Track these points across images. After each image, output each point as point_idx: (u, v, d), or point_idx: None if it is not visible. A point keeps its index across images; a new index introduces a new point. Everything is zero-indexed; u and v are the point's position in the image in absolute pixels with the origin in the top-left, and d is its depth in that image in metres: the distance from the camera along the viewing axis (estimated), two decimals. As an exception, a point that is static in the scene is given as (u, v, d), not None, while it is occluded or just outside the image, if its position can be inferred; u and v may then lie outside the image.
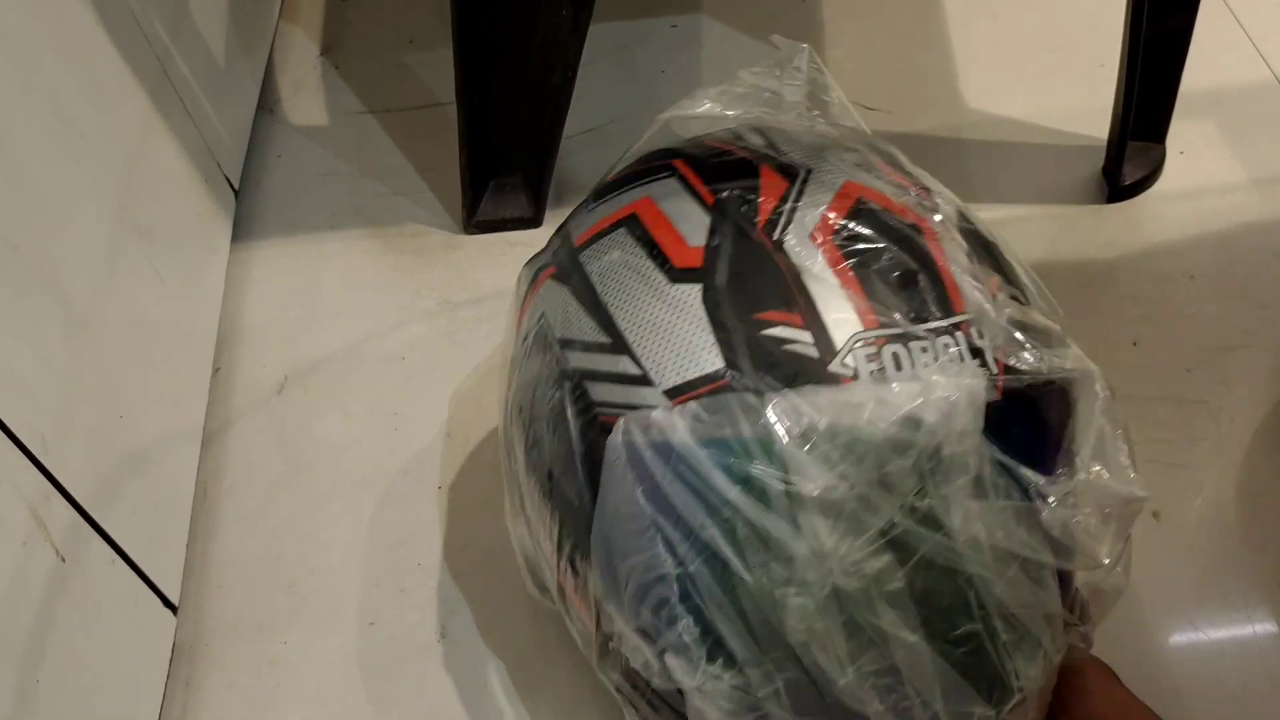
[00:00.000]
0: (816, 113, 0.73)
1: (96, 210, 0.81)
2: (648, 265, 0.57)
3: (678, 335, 0.54)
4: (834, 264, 0.54)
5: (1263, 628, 0.75)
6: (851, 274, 0.54)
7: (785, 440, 0.51)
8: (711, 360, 0.53)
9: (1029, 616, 0.55)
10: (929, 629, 0.53)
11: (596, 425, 0.56)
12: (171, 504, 0.85)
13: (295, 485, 0.89)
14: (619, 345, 0.56)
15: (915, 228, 0.57)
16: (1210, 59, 1.06)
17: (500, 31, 0.92)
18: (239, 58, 1.12)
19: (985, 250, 0.61)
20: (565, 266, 0.62)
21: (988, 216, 0.98)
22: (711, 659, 0.54)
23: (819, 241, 0.55)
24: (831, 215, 0.57)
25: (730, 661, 0.54)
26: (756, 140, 0.63)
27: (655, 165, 0.63)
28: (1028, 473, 0.53)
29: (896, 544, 0.51)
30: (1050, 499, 0.54)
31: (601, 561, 0.57)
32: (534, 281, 0.66)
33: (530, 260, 0.70)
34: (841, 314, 0.53)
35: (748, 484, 0.51)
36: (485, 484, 0.87)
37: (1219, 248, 0.94)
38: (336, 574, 0.84)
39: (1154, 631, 0.75)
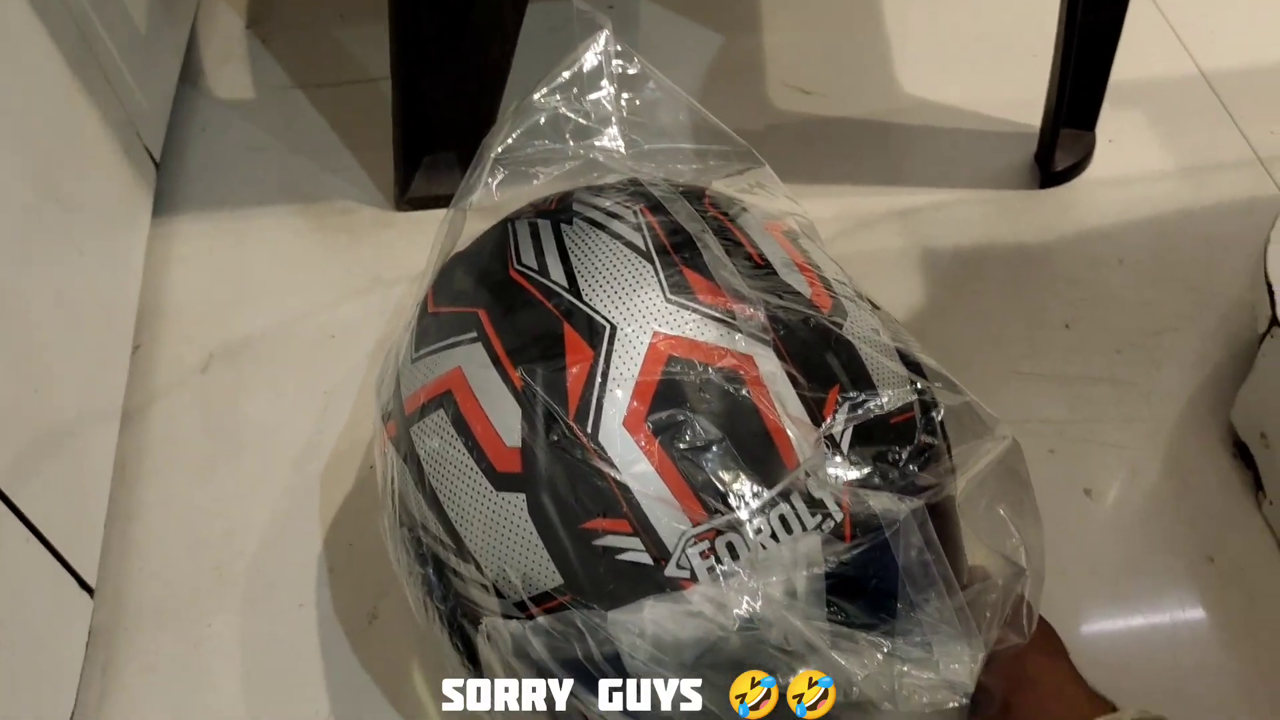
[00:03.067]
0: (636, 139, 0.70)
1: (13, 178, 0.77)
2: (470, 465, 0.55)
3: (514, 548, 0.53)
4: (651, 457, 0.52)
5: (1190, 601, 0.76)
6: (671, 465, 0.52)
7: (633, 659, 0.51)
8: (550, 577, 0.52)
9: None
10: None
11: (464, 612, 0.57)
12: (89, 483, 0.81)
13: (222, 466, 0.86)
14: (463, 552, 0.55)
15: (733, 377, 0.54)
16: (1138, 52, 1.08)
17: (439, 7, 0.90)
18: (162, 27, 1.08)
19: (822, 348, 0.57)
20: (402, 435, 0.60)
21: (923, 201, 1.01)
22: None
23: (633, 432, 0.52)
24: (640, 398, 0.53)
25: None
26: (558, 274, 0.58)
27: (464, 316, 0.60)
28: (865, 638, 0.52)
29: None
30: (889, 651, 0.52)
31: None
32: (384, 424, 0.64)
33: (380, 374, 0.68)
34: (667, 514, 0.51)
35: (610, 699, 0.52)
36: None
37: (1149, 233, 0.96)
38: (265, 556, 0.81)
39: (1083, 605, 0.76)
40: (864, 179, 1.02)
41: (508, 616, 0.53)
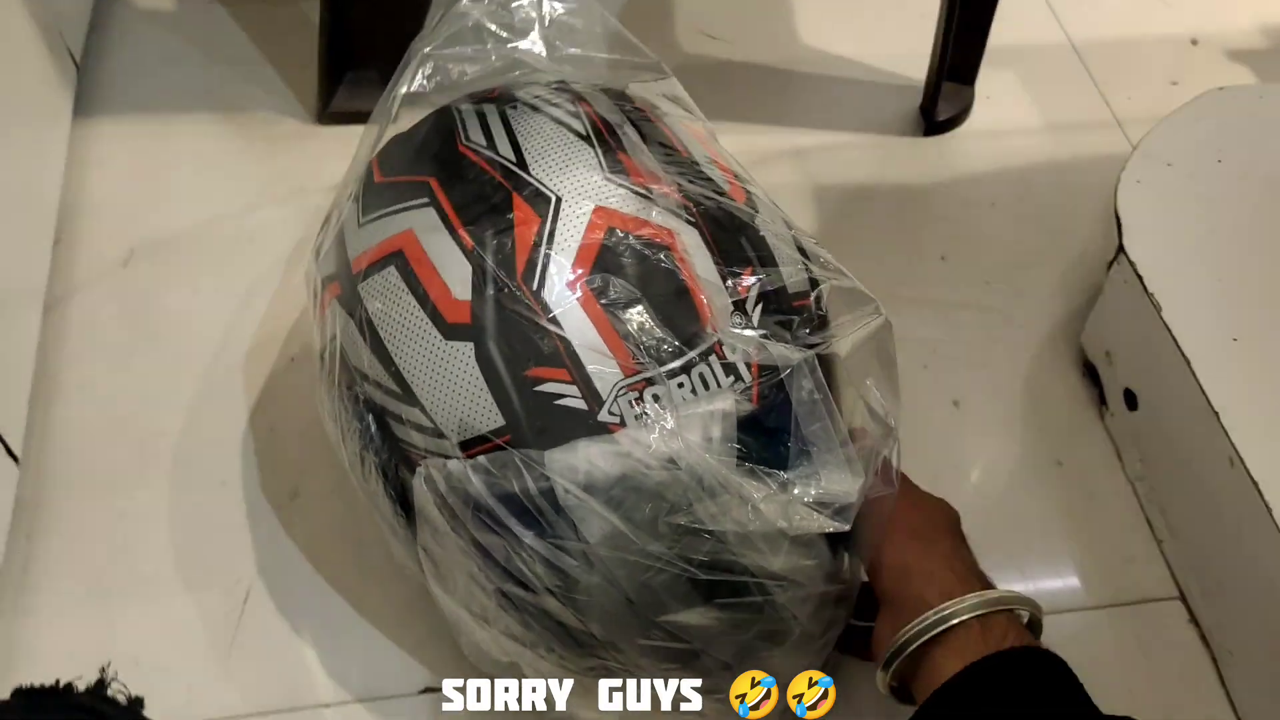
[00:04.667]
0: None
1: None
2: (420, 318, 0.60)
3: (459, 392, 0.59)
4: (591, 314, 0.58)
5: (1041, 498, 0.85)
6: (607, 323, 0.58)
7: (565, 494, 0.57)
8: (492, 418, 0.58)
9: (801, 570, 0.62)
10: (714, 609, 0.61)
11: (403, 459, 0.62)
12: (13, 362, 0.83)
13: (143, 353, 0.89)
14: (409, 396, 0.60)
15: (662, 247, 0.60)
16: (1016, 19, 1.17)
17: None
18: (83, -69, 1.09)
19: (737, 232, 0.64)
20: (347, 293, 0.65)
21: (819, 142, 1.09)
22: (532, 647, 0.64)
23: (575, 292, 0.59)
24: (582, 262, 0.59)
25: (551, 650, 0.64)
26: (506, 149, 0.64)
27: (415, 184, 0.65)
28: (768, 476, 0.59)
29: (678, 557, 0.58)
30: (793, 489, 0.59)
31: (432, 571, 0.65)
32: (325, 287, 0.69)
33: (318, 241, 0.72)
34: (602, 365, 0.58)
35: (541, 531, 0.58)
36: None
37: (1017, 181, 1.06)
38: (186, 436, 0.84)
39: (951, 502, 0.85)
40: (763, 119, 1.09)
41: (447, 457, 0.59)
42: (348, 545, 0.79)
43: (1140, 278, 0.81)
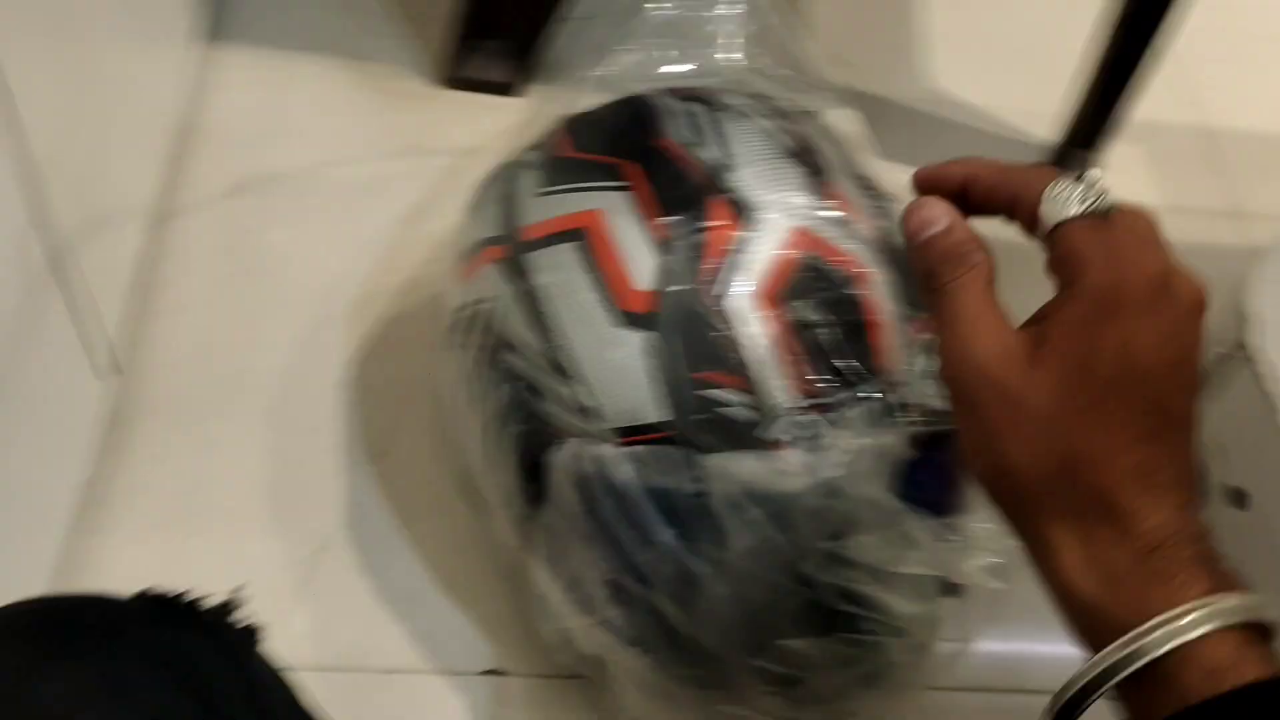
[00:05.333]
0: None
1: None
2: (594, 299, 0.59)
3: (624, 381, 0.58)
4: (773, 330, 0.58)
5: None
6: (789, 341, 0.58)
7: (717, 499, 0.57)
8: (655, 412, 0.58)
9: (919, 619, 0.61)
10: (830, 642, 0.60)
11: (542, 434, 0.61)
12: (116, 276, 0.82)
13: (242, 287, 0.88)
14: (567, 375, 0.60)
15: (851, 277, 0.60)
16: (1151, 96, 1.16)
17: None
18: None
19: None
20: (512, 261, 0.64)
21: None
22: (632, 644, 0.63)
23: (761, 306, 0.58)
24: (773, 277, 0.59)
25: (647, 652, 0.62)
26: (713, 151, 0.63)
27: (609, 166, 0.63)
28: (919, 525, 0.58)
29: (806, 583, 0.58)
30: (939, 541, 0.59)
31: (543, 551, 0.64)
32: (481, 249, 0.68)
33: (477, 200, 0.71)
34: (777, 382, 0.57)
35: (681, 531, 0.57)
36: (431, 324, 0.87)
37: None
38: (281, 377, 0.83)
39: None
40: (881, 154, 1.08)
41: (598, 440, 0.58)
42: (433, 513, 0.78)
43: (1258, 376, 0.80)
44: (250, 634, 0.47)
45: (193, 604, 0.46)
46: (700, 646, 0.61)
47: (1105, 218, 0.41)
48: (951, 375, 0.42)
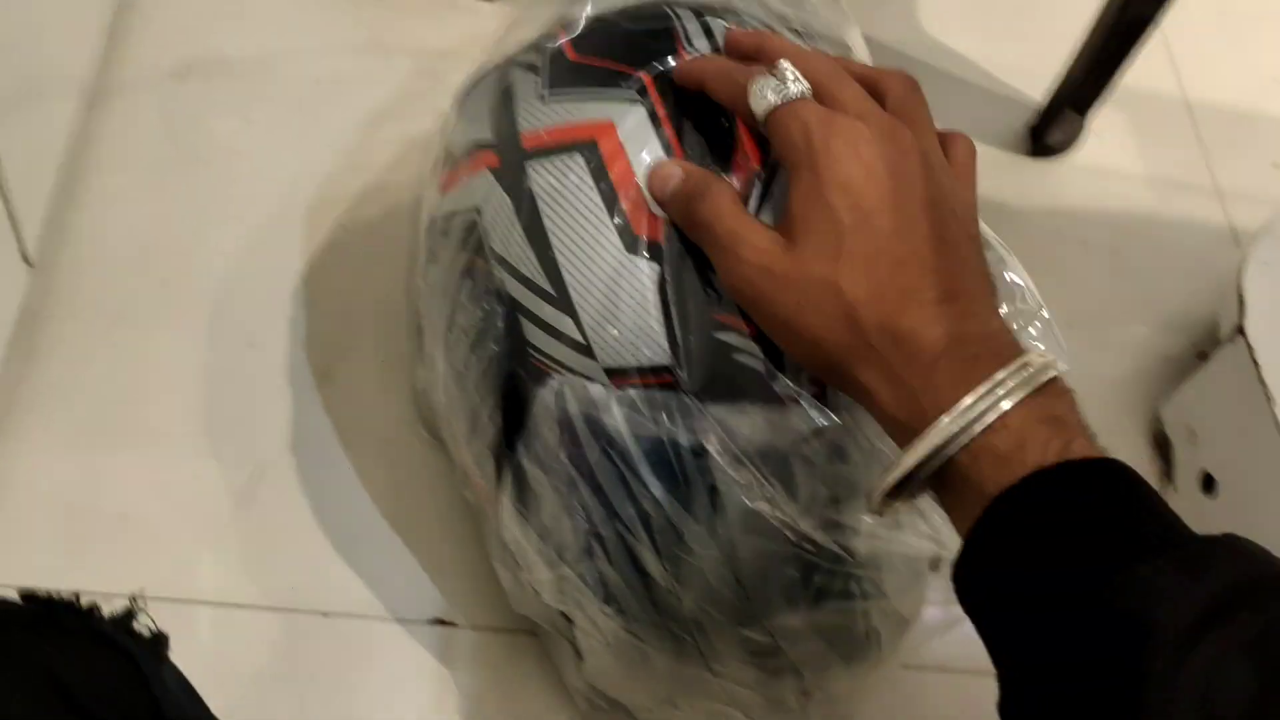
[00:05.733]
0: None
1: None
2: (604, 220, 0.52)
3: (628, 314, 0.51)
4: None
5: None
6: None
7: (717, 454, 0.51)
8: (659, 353, 0.51)
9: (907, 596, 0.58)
10: (814, 612, 0.56)
11: (526, 364, 0.54)
12: (42, 154, 0.73)
13: (182, 179, 0.80)
14: (564, 302, 0.53)
15: None
16: (1136, 64, 1.13)
17: None
18: None
19: None
20: (509, 167, 0.57)
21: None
22: (606, 601, 0.57)
23: None
24: None
25: (621, 611, 0.57)
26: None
27: (625, 75, 0.56)
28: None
29: (802, 560, 0.53)
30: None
31: (514, 493, 0.57)
32: (472, 153, 0.60)
33: (464, 98, 0.64)
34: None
35: (674, 486, 0.52)
36: (392, 235, 0.80)
37: (1112, 226, 1.02)
38: (219, 283, 0.76)
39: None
40: (871, 98, 1.04)
41: (588, 378, 0.52)
42: (382, 443, 0.72)
43: (1256, 364, 0.78)
44: (156, 645, 0.40)
45: (89, 611, 0.39)
46: (681, 610, 0.56)
47: (800, 99, 0.47)
48: (735, 287, 0.47)
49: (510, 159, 0.57)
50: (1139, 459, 0.88)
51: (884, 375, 0.43)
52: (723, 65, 0.51)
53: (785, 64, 0.48)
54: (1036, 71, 1.04)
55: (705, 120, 0.54)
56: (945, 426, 0.41)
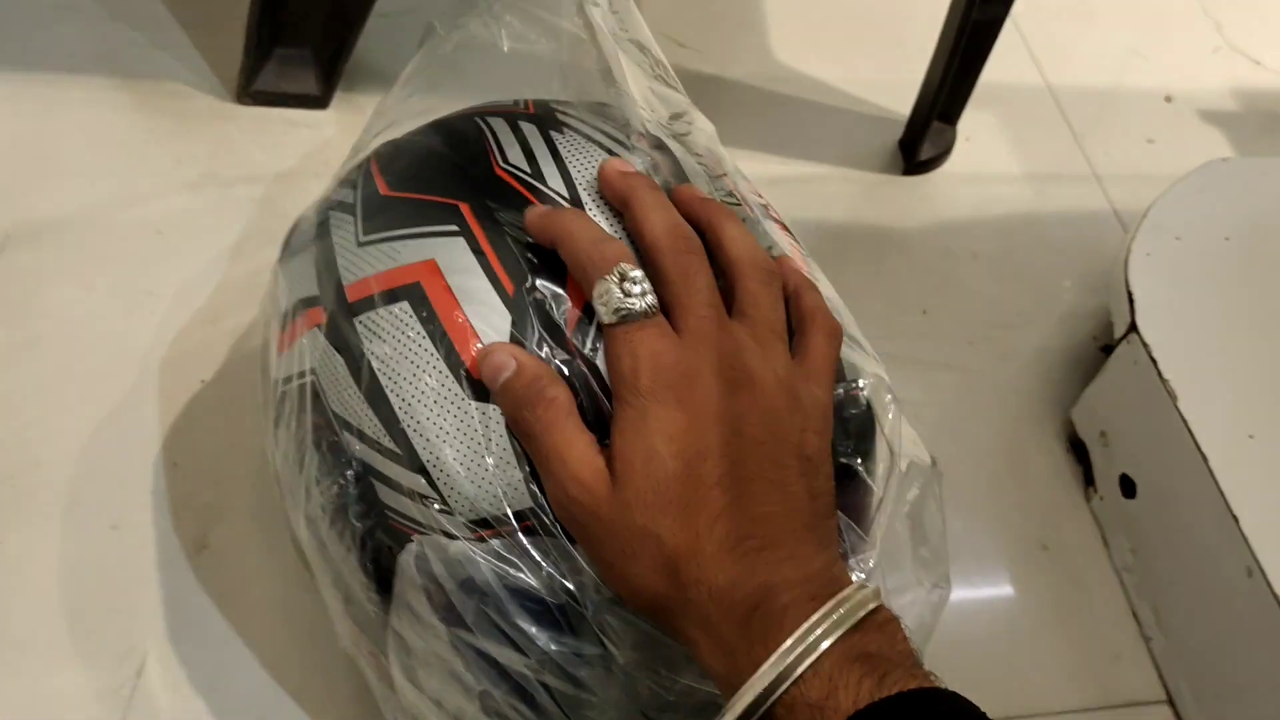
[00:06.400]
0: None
1: None
2: (443, 370, 0.49)
3: (481, 464, 0.48)
4: None
5: (1026, 581, 0.80)
6: None
7: (592, 597, 0.48)
8: (520, 498, 0.48)
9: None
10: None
11: (387, 529, 0.51)
12: None
13: (17, 362, 0.75)
14: (413, 460, 0.49)
15: None
16: (994, 58, 1.12)
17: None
18: None
19: None
20: (337, 325, 0.53)
21: (792, 173, 1.01)
22: None
23: None
24: None
25: None
26: (556, 183, 0.54)
27: (441, 205, 0.54)
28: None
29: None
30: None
31: (399, 661, 0.54)
32: (299, 312, 0.57)
33: (287, 252, 0.61)
34: None
35: (559, 633, 0.49)
36: (256, 383, 0.76)
37: (998, 231, 1.00)
38: (71, 468, 0.71)
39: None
40: (735, 142, 1.01)
41: (452, 536, 0.48)
42: (269, 610, 0.67)
43: (1154, 361, 0.76)
44: None
45: None
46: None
47: (639, 321, 0.45)
48: (561, 515, 0.45)
49: (339, 315, 0.54)
50: (1057, 467, 0.86)
51: (704, 628, 0.42)
52: (578, 235, 0.48)
53: (632, 272, 0.46)
54: (899, 87, 1.03)
55: (528, 243, 0.51)
56: (756, 682, 0.40)
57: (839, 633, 0.40)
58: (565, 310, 0.50)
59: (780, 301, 0.50)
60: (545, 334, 0.49)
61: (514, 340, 0.49)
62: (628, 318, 0.45)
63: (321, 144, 0.91)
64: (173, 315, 0.79)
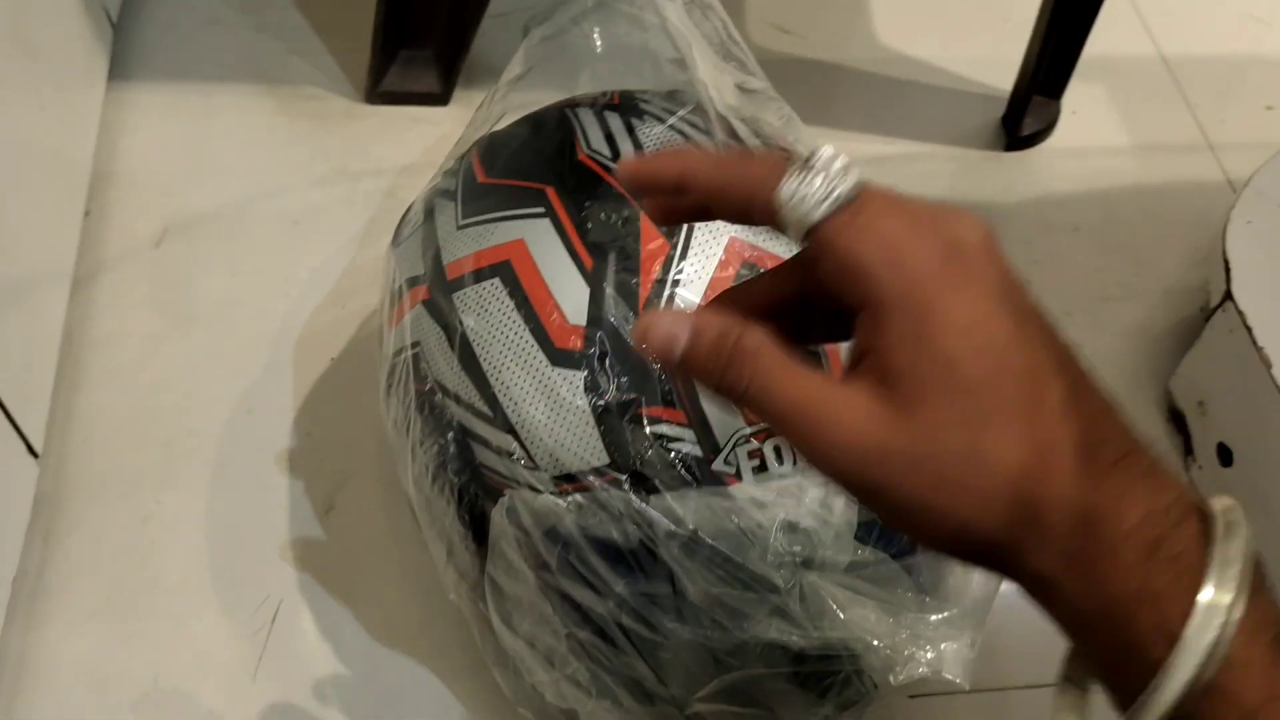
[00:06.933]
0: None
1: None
2: (527, 339, 0.55)
3: (562, 423, 0.54)
4: None
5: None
6: None
7: (666, 544, 0.52)
8: (597, 455, 0.53)
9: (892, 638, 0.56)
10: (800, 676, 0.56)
11: (482, 484, 0.57)
12: (38, 347, 0.78)
13: (174, 341, 0.84)
14: (503, 421, 0.55)
15: None
16: (1103, 31, 1.10)
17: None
18: (127, -117, 1.03)
19: None
20: (437, 301, 0.60)
21: (894, 151, 1.03)
22: (600, 697, 0.58)
23: None
24: (711, 296, 0.53)
25: (618, 703, 0.58)
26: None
27: (528, 190, 0.59)
28: (892, 565, 0.54)
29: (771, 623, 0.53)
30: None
31: (496, 607, 0.59)
32: (408, 289, 0.63)
33: (398, 237, 0.67)
34: (721, 411, 0.53)
35: (634, 580, 0.53)
36: (377, 358, 0.83)
37: (1102, 205, 1.00)
38: (218, 438, 0.79)
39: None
40: (837, 123, 1.03)
41: (538, 490, 0.54)
42: (388, 565, 0.74)
43: (1249, 329, 0.76)
44: None
45: None
46: (671, 695, 0.57)
47: (855, 203, 0.34)
48: (832, 473, 0.34)
49: (438, 291, 0.60)
50: (1158, 436, 0.86)
51: (1065, 560, 0.33)
52: (710, 156, 0.39)
53: (826, 150, 0.35)
54: (1002, 63, 1.04)
55: (605, 214, 0.56)
56: (1193, 636, 0.31)
57: (1247, 586, 0.31)
58: (637, 282, 0.55)
59: None
60: (621, 300, 0.54)
61: (592, 310, 0.54)
62: (839, 199, 0.34)
63: (441, 138, 0.97)
64: (306, 298, 0.86)
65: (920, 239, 0.33)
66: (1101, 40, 1.07)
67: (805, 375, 0.34)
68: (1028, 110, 1.01)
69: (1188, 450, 0.84)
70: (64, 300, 0.82)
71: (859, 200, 0.34)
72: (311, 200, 0.93)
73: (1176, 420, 0.86)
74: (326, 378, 0.83)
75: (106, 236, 0.88)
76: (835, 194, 0.34)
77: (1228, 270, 0.79)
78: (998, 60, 1.05)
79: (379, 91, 0.99)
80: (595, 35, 0.68)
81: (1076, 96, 1.05)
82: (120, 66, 0.98)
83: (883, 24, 1.12)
